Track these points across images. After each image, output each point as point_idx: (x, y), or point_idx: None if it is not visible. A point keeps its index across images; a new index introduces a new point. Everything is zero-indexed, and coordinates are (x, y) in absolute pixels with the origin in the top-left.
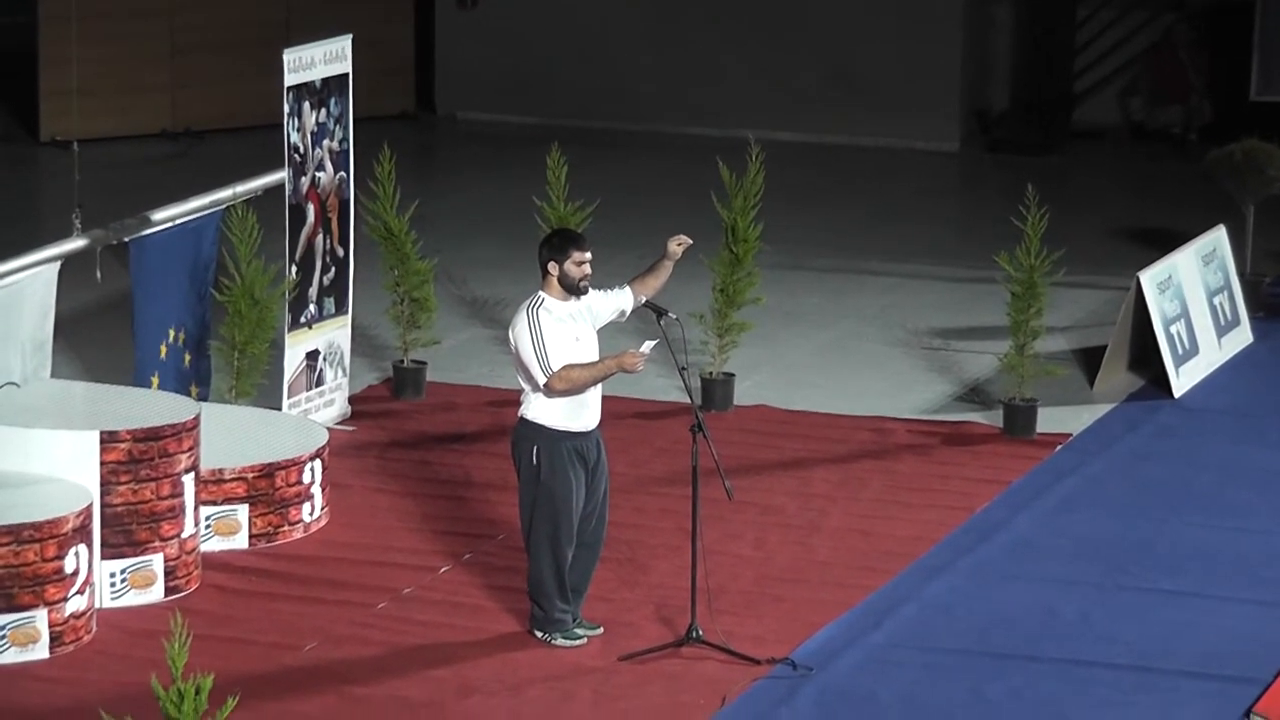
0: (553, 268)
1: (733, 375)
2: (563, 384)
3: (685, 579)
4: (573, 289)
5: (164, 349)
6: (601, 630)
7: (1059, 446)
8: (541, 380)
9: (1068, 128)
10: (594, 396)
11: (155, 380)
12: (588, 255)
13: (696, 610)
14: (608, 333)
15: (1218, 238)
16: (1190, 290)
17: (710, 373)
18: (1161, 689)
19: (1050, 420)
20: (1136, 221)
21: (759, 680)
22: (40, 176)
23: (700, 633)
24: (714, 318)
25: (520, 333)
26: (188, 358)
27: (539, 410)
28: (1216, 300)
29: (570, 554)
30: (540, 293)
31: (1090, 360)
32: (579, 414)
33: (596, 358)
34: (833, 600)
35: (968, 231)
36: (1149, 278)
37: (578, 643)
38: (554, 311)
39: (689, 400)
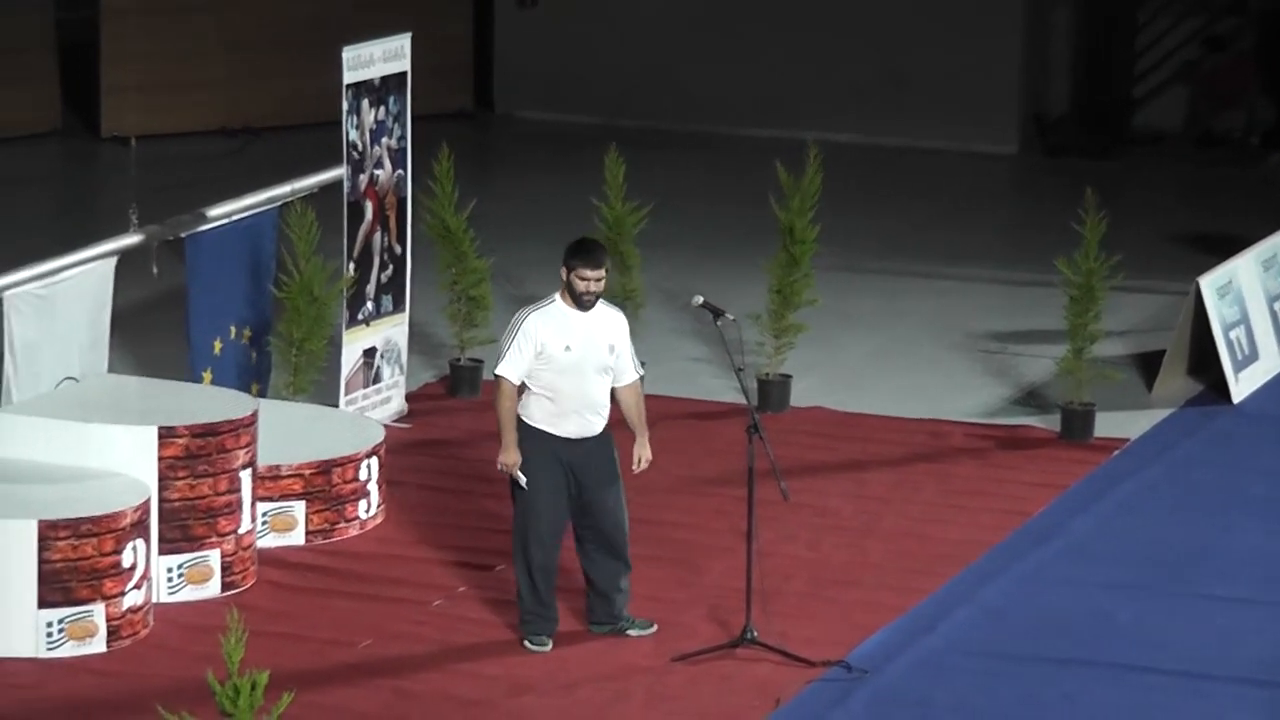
0: (563, 273)
1: (789, 377)
2: (496, 392)
3: (739, 580)
4: (576, 300)
5: (218, 344)
6: (655, 629)
7: (1116, 451)
8: (494, 369)
9: (1127, 132)
10: (580, 409)
11: (208, 375)
12: (592, 273)
13: (751, 611)
14: (660, 334)
15: (1278, 243)
16: (1250, 296)
17: (766, 374)
18: (1215, 696)
19: (1107, 425)
20: (1196, 226)
21: (813, 682)
22: (100, 172)
23: (755, 634)
24: (770, 319)
25: (512, 321)
26: (254, 355)
27: (525, 405)
28: (1277, 306)
29: (544, 556)
30: (555, 294)
31: (1148, 365)
32: (557, 422)
33: (589, 372)
34: (887, 603)
35: (1024, 235)
36: (1208, 283)
37: (541, 649)
38: (556, 313)
39: (745, 401)
